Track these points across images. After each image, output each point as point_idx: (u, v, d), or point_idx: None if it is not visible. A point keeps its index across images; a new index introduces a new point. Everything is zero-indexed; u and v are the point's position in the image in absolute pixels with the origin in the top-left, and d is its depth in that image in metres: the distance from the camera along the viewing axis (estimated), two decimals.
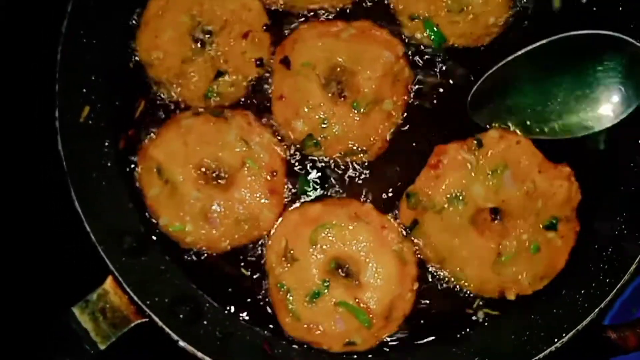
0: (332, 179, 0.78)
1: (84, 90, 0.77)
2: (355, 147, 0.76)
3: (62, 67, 0.74)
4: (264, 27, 0.80)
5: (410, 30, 0.78)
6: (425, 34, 0.78)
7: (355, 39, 0.77)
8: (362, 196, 0.77)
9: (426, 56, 0.79)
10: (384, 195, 0.77)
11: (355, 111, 0.75)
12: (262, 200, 0.76)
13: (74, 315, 0.69)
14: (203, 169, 0.77)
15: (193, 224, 0.75)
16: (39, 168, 0.74)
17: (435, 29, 0.77)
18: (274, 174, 0.76)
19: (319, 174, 0.78)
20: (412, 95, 0.78)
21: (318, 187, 0.77)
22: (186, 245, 0.76)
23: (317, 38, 0.77)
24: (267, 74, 0.79)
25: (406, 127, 0.78)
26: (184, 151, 0.76)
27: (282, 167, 0.77)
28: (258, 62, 0.78)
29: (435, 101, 0.78)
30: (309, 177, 0.78)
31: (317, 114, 0.76)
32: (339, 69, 0.77)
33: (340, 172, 0.78)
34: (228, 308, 0.77)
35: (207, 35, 0.80)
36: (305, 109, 0.76)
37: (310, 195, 0.77)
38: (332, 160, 0.78)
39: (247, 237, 0.76)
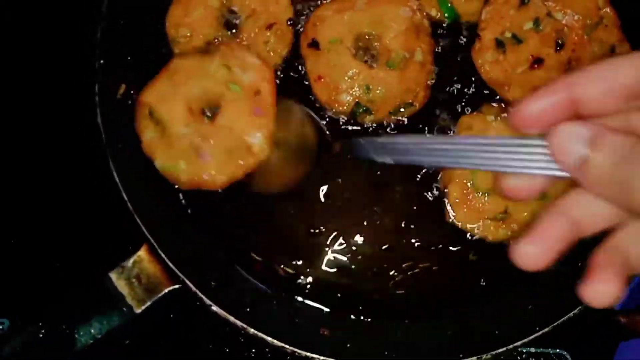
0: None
1: (121, 69, 0.80)
2: (401, 103, 0.81)
3: (102, 47, 0.78)
4: (289, 22, 0.84)
5: (425, 6, 0.83)
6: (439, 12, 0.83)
7: (370, 6, 0.81)
8: None
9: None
10: None
11: (392, 70, 0.80)
12: (250, 126, 0.74)
13: (111, 280, 0.72)
14: (191, 105, 0.76)
15: (186, 160, 0.75)
16: (80, 140, 0.77)
17: (449, 5, 0.82)
18: (258, 93, 0.75)
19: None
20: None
21: None
22: (184, 185, 0.76)
23: (336, 15, 0.82)
24: (283, 65, 0.83)
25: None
26: (172, 90, 0.76)
27: (268, 86, 0.76)
28: None
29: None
30: None
31: (358, 83, 0.80)
32: (365, 37, 0.82)
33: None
34: (256, 280, 0.80)
35: (234, 21, 0.84)
36: (346, 82, 0.80)
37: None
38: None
39: (242, 168, 0.75)
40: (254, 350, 0.86)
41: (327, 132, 0.81)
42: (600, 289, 0.40)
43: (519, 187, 0.44)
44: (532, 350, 0.86)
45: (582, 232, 0.43)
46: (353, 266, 0.81)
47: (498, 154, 0.43)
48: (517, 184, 0.44)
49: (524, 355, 0.87)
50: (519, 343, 0.71)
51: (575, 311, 0.72)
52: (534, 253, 0.41)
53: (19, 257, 0.84)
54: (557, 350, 0.86)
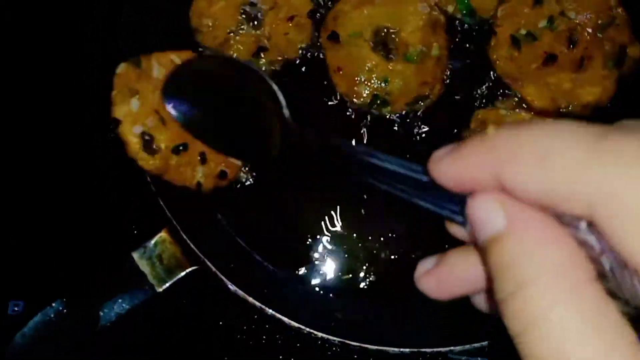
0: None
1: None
2: (418, 96, 0.83)
3: (123, 35, 0.80)
4: (308, 14, 0.86)
5: (442, 3, 0.86)
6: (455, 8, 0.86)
7: (389, 1, 0.85)
8: None
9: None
10: None
11: (410, 63, 0.83)
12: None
13: (133, 260, 0.74)
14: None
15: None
16: (105, 122, 0.78)
17: (466, 1, 0.85)
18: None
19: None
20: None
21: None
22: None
23: (356, 9, 0.85)
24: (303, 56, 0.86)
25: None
26: None
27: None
28: None
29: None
30: None
31: (376, 75, 0.82)
32: (383, 31, 0.84)
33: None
34: (273, 265, 0.82)
35: (256, 13, 0.86)
36: (364, 74, 0.82)
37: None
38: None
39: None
40: (264, 337, 0.88)
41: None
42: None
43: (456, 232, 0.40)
44: None
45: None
46: (367, 255, 0.83)
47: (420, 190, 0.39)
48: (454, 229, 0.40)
49: None
50: None
51: None
52: (431, 286, 0.39)
53: (42, 239, 0.86)
54: None
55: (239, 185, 0.82)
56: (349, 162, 0.44)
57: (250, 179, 0.83)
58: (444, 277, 0.39)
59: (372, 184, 0.42)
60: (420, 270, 0.41)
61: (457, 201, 0.36)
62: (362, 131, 0.84)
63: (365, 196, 0.83)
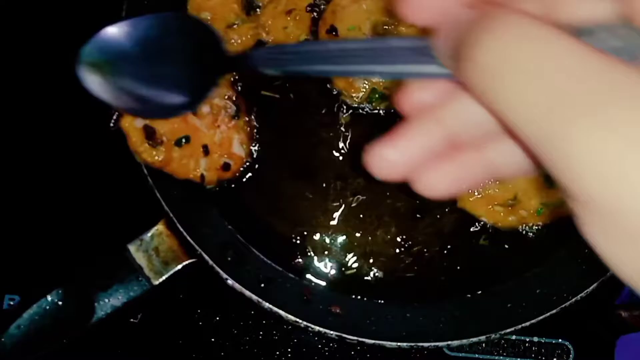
0: None
1: None
2: None
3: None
4: (307, 8, 0.86)
5: None
6: None
7: None
8: None
9: None
10: None
11: None
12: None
13: (130, 252, 0.74)
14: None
15: None
16: (101, 117, 0.78)
17: None
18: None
19: None
20: None
21: None
22: None
23: (354, 3, 0.84)
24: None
25: None
26: None
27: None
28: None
29: None
30: None
31: None
32: (382, 26, 0.84)
33: None
34: (270, 260, 0.81)
35: (255, 6, 0.86)
36: None
37: None
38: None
39: None
40: (261, 332, 0.88)
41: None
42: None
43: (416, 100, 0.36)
44: (535, 339, 0.88)
45: (458, 146, 0.34)
46: (364, 250, 0.82)
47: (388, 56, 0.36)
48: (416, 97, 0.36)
49: (527, 344, 0.89)
50: (527, 324, 0.73)
51: (582, 294, 0.73)
52: (393, 158, 0.34)
53: (38, 233, 0.86)
54: (560, 340, 0.88)
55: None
56: (302, 59, 0.45)
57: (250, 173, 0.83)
58: (412, 136, 0.35)
59: (334, 71, 0.43)
60: (379, 145, 0.36)
61: (425, 53, 0.34)
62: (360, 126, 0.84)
63: (366, 193, 0.82)
